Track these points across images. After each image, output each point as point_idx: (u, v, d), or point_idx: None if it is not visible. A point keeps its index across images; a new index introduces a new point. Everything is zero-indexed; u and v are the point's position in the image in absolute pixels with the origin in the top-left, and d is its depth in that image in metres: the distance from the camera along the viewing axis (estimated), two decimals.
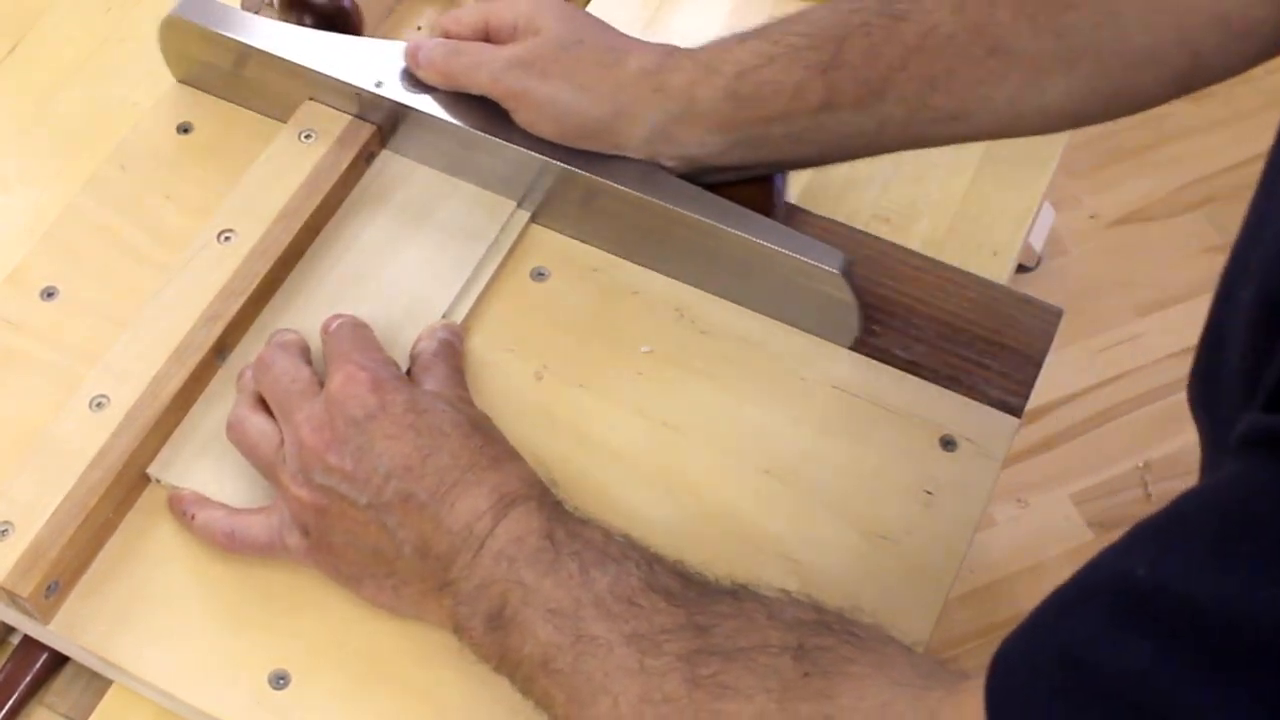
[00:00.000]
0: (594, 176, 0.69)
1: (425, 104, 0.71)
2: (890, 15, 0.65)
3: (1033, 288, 0.76)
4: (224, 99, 0.77)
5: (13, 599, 0.60)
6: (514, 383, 0.68)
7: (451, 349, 0.67)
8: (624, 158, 0.69)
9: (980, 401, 0.69)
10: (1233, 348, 0.44)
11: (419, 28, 0.89)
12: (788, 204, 0.74)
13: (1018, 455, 1.51)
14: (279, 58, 0.73)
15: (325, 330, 0.66)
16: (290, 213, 0.70)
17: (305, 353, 0.65)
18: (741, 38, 0.68)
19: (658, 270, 0.72)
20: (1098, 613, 0.38)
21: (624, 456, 0.67)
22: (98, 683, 0.62)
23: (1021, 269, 1.61)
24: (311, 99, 0.74)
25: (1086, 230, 1.70)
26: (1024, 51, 0.63)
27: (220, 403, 0.66)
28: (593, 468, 0.66)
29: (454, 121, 0.71)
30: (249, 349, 0.68)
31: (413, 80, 0.72)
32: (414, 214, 0.73)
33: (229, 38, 0.73)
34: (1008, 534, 1.48)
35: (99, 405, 0.64)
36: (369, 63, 0.73)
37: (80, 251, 0.72)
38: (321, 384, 0.62)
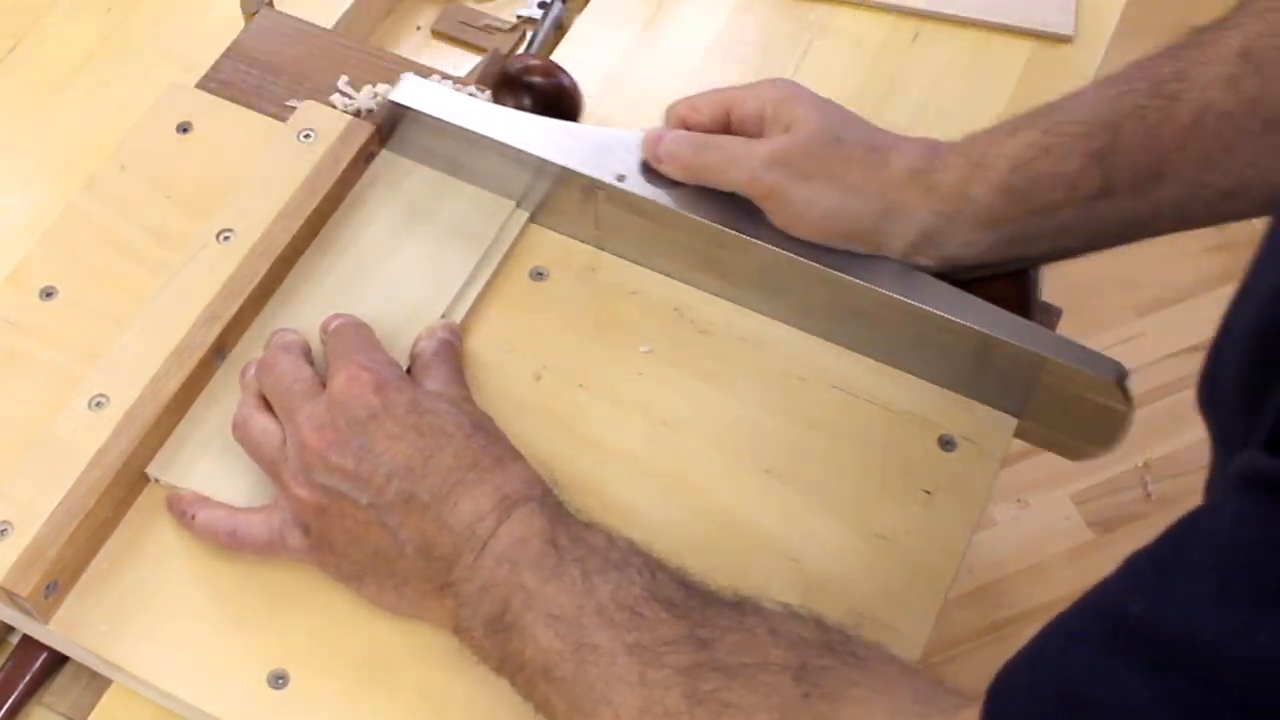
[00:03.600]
0: (854, 280, 0.66)
1: (670, 200, 0.68)
2: (1163, 95, 0.63)
3: None
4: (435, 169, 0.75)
5: (12, 598, 0.60)
6: (514, 383, 0.68)
7: (452, 348, 0.67)
8: (882, 258, 0.67)
9: (980, 401, 0.69)
10: (1231, 359, 0.44)
11: (418, 27, 0.90)
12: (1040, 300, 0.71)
13: (1018, 455, 1.50)
14: (511, 147, 0.70)
15: (325, 330, 0.66)
16: (290, 212, 0.70)
17: (307, 353, 0.65)
18: (1010, 129, 0.66)
19: (915, 375, 0.69)
20: (1095, 648, 0.38)
21: (624, 456, 0.67)
22: (97, 682, 0.62)
23: None
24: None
25: None
26: None
27: (220, 402, 0.66)
28: (592, 468, 0.66)
29: (704, 221, 0.68)
30: (249, 349, 0.68)
31: (653, 173, 0.69)
32: (414, 214, 0.73)
33: (455, 125, 0.71)
34: (1008, 534, 1.48)
35: (99, 405, 0.64)
36: (607, 153, 0.70)
37: (80, 251, 0.72)
38: (323, 384, 0.62)
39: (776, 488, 0.66)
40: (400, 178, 0.74)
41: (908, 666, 0.52)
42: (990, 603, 1.41)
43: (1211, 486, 0.51)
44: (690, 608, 0.54)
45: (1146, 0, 0.94)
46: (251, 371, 0.65)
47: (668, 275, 0.72)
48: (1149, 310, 1.62)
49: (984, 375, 0.67)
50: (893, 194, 0.65)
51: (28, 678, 0.62)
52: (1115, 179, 0.63)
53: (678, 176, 0.68)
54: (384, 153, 0.75)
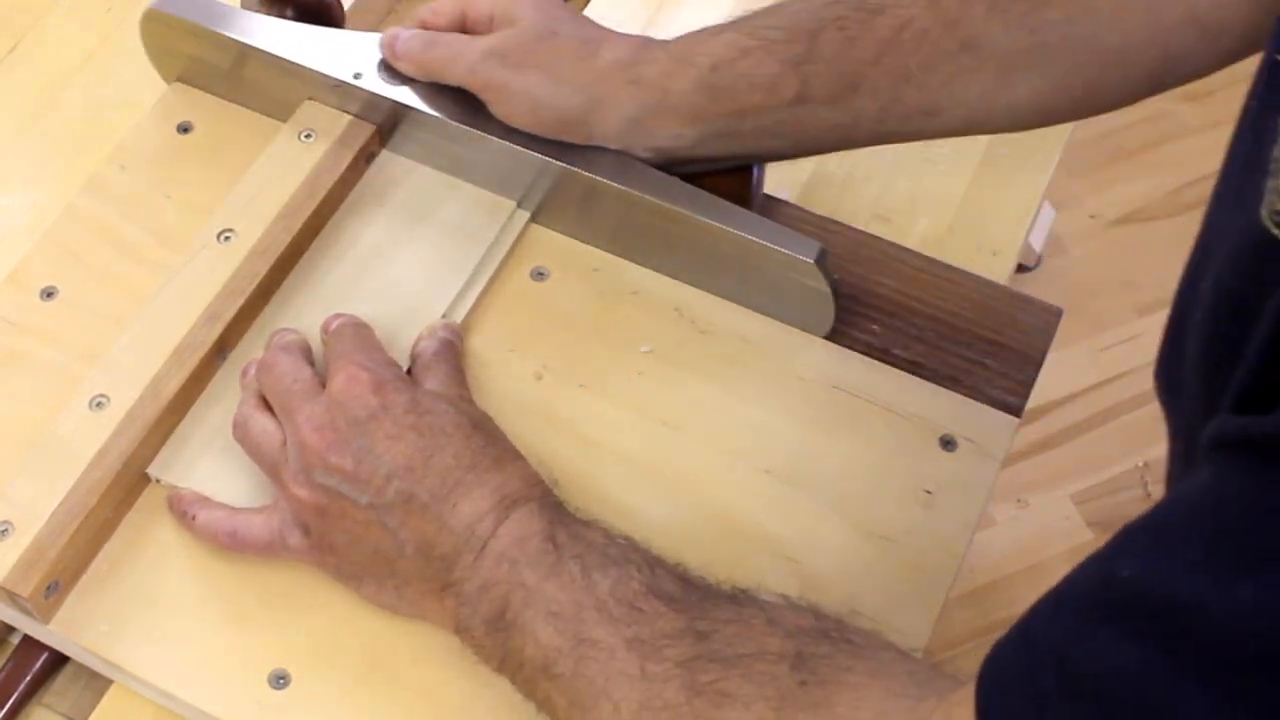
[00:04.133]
0: (567, 166, 0.69)
1: (403, 95, 0.71)
2: (866, 9, 0.65)
3: (1033, 288, 0.76)
4: (213, 94, 0.77)
5: (13, 599, 0.60)
6: (514, 383, 0.68)
7: (452, 348, 0.67)
8: (600, 149, 0.69)
9: (980, 401, 0.69)
10: (1193, 339, 0.45)
11: None
12: (765, 195, 0.74)
13: (1018, 455, 1.50)
14: (257, 49, 0.73)
15: (325, 330, 0.66)
16: (290, 212, 0.70)
17: (307, 353, 0.65)
18: (716, 30, 0.68)
19: (641, 264, 0.72)
20: (1084, 616, 0.38)
21: (624, 456, 0.67)
22: (97, 682, 0.62)
23: (1021, 269, 1.61)
24: (310, 98, 0.74)
25: (1086, 230, 1.70)
26: (996, 47, 0.64)
27: (220, 402, 0.66)
28: (592, 468, 0.66)
29: (431, 113, 0.71)
30: (249, 348, 0.68)
31: (392, 72, 0.72)
32: (414, 214, 0.73)
33: (208, 29, 0.73)
34: (1008, 534, 1.48)
35: (99, 405, 0.64)
36: (347, 54, 0.73)
37: (80, 251, 0.72)
38: (323, 384, 0.62)
39: (776, 487, 0.66)
40: (401, 178, 0.74)
41: (904, 653, 0.52)
42: (990, 603, 1.41)
43: (1171, 480, 0.51)
44: (689, 602, 0.54)
45: None
46: (252, 372, 0.65)
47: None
48: (1149, 310, 1.62)
49: (705, 263, 0.70)
50: (599, 84, 0.68)
51: (28, 678, 0.62)
52: (812, 86, 0.65)
53: (411, 73, 0.71)
54: (384, 153, 0.75)
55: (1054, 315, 0.72)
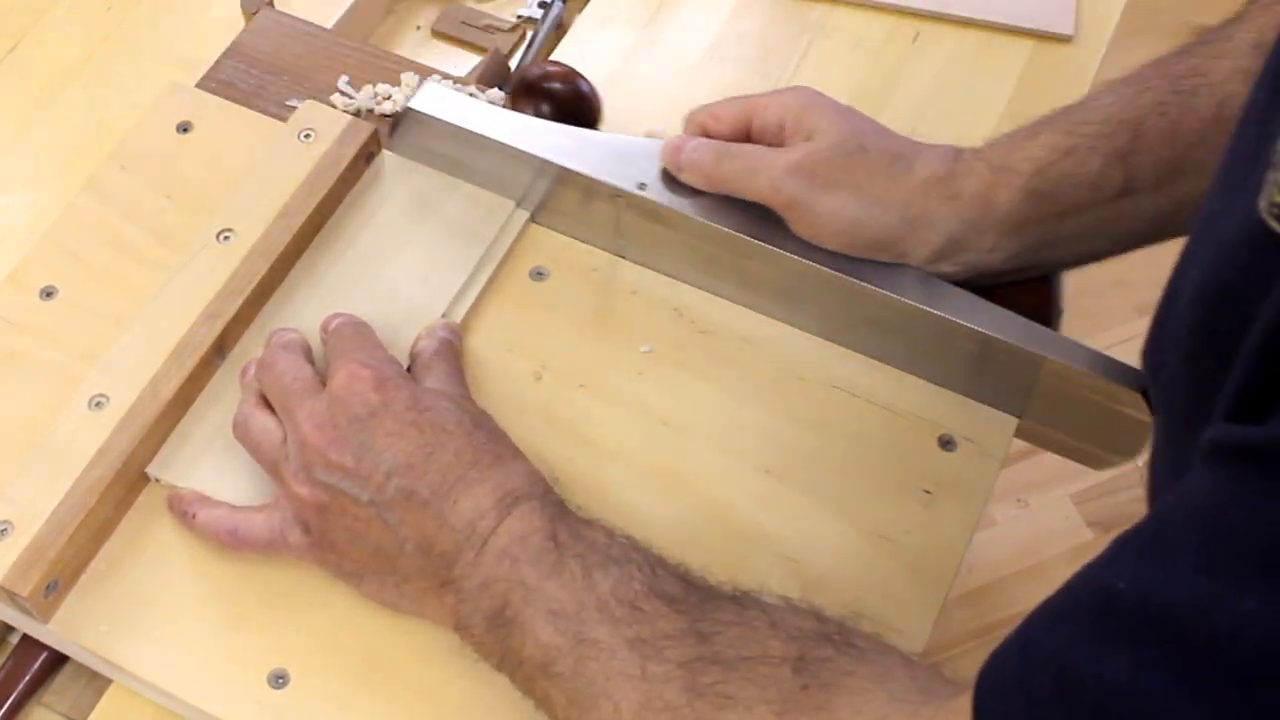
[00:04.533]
0: (876, 289, 0.66)
1: (691, 209, 0.68)
2: (1183, 92, 0.63)
3: None
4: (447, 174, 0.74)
5: (12, 598, 0.60)
6: (514, 383, 0.68)
7: (451, 347, 0.67)
8: (905, 266, 0.66)
9: (980, 401, 0.69)
10: (1179, 325, 0.45)
11: (418, 27, 0.89)
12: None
13: (1018, 455, 1.50)
14: (529, 154, 0.70)
15: (325, 329, 0.66)
16: (290, 212, 0.70)
17: (307, 351, 0.65)
18: (1031, 133, 0.66)
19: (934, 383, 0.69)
20: (1081, 626, 0.38)
21: (623, 456, 0.67)
22: (97, 682, 0.62)
23: None
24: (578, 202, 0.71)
25: None
26: None
27: (220, 402, 0.66)
28: (592, 467, 0.66)
29: (725, 230, 0.67)
30: (249, 348, 0.68)
31: (673, 181, 0.69)
32: (413, 214, 0.73)
33: (474, 133, 0.71)
34: (1008, 534, 1.48)
35: (99, 405, 0.64)
36: (628, 160, 0.69)
37: (80, 251, 0.72)
38: (323, 382, 0.62)
39: (776, 487, 0.66)
40: (400, 177, 0.74)
41: (905, 656, 0.52)
42: (990, 603, 1.41)
43: (1155, 459, 0.51)
44: (690, 602, 0.54)
45: (1147, 0, 0.94)
46: (252, 371, 0.65)
47: (694, 286, 0.71)
48: (1149, 310, 1.61)
49: (1016, 386, 0.67)
50: (916, 202, 0.65)
51: (28, 677, 0.62)
52: (1137, 177, 0.63)
53: (699, 185, 0.68)
54: (384, 152, 0.75)
55: (1054, 315, 0.72)
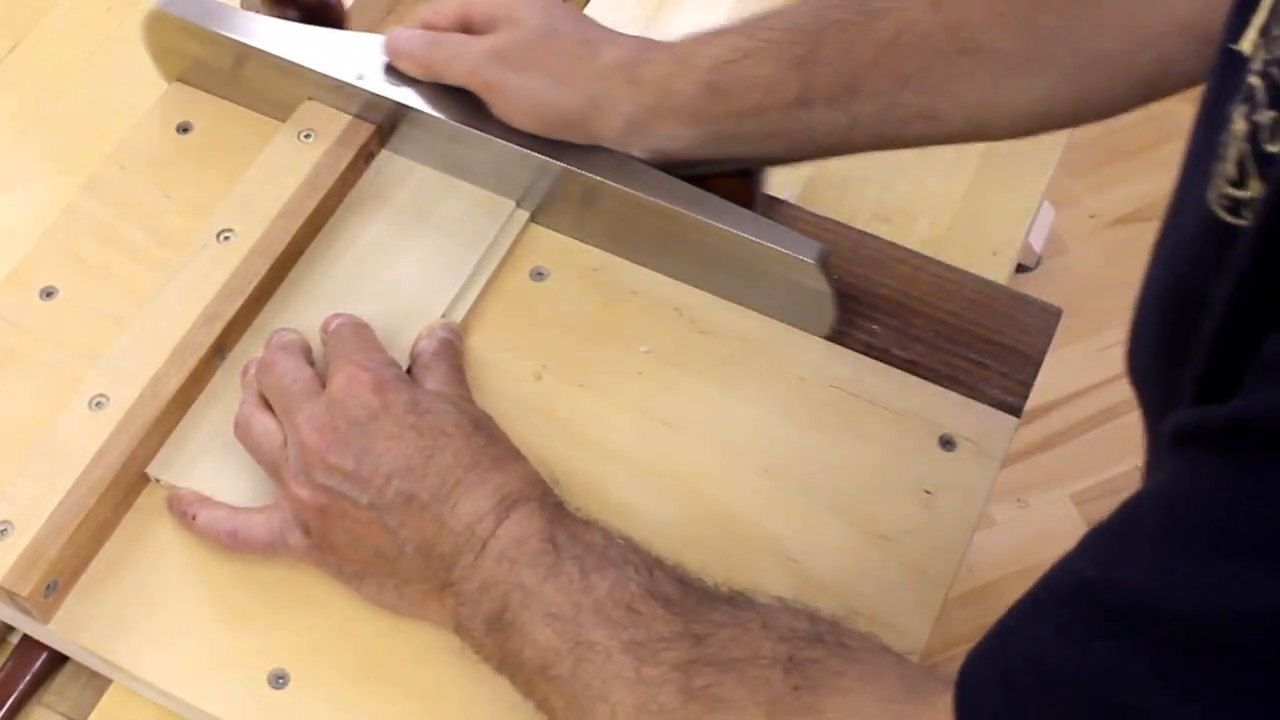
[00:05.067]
0: (567, 166, 0.69)
1: (406, 96, 0.71)
2: (866, 12, 0.65)
3: (1033, 288, 0.76)
4: (214, 94, 0.77)
5: (12, 598, 0.60)
6: (514, 383, 0.68)
7: (452, 348, 0.67)
8: (600, 150, 0.69)
9: (980, 401, 0.69)
10: (1150, 324, 0.45)
11: None
12: (767, 196, 0.74)
13: (1018, 455, 1.50)
14: (261, 50, 0.73)
15: (325, 329, 0.66)
16: (290, 212, 0.70)
17: (307, 353, 0.65)
18: (718, 32, 0.68)
19: (642, 264, 0.72)
20: (1054, 617, 0.39)
21: (623, 456, 0.67)
22: (97, 682, 0.62)
23: (1021, 269, 1.61)
24: (310, 98, 0.74)
25: (1086, 230, 1.69)
26: (996, 51, 0.64)
27: (220, 402, 0.66)
28: (592, 468, 0.66)
29: (434, 114, 0.71)
30: (249, 349, 0.68)
31: (394, 73, 0.72)
32: (413, 214, 0.73)
33: (211, 30, 0.73)
34: (1008, 534, 1.48)
35: (99, 405, 0.64)
36: (350, 55, 0.73)
37: (80, 251, 0.72)
38: (323, 384, 0.62)
39: (776, 488, 0.66)
40: (400, 177, 0.74)
41: (898, 656, 0.52)
42: (990, 603, 1.41)
43: (1146, 463, 0.51)
44: (686, 604, 0.54)
45: None
46: (252, 371, 0.65)
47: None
48: None
49: (705, 264, 0.70)
50: (599, 84, 0.68)
51: (28, 677, 0.62)
52: (813, 88, 0.65)
53: (413, 73, 0.71)
54: (384, 153, 0.75)
55: (1054, 315, 0.72)
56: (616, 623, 0.53)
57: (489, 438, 0.61)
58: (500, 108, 0.69)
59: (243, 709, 0.59)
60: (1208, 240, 0.40)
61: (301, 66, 0.72)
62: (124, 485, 0.63)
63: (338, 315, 0.67)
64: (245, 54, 0.74)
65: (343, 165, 0.72)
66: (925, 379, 0.69)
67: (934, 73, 0.64)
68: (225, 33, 0.73)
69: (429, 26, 0.72)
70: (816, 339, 0.70)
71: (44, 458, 0.62)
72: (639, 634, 0.53)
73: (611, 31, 0.71)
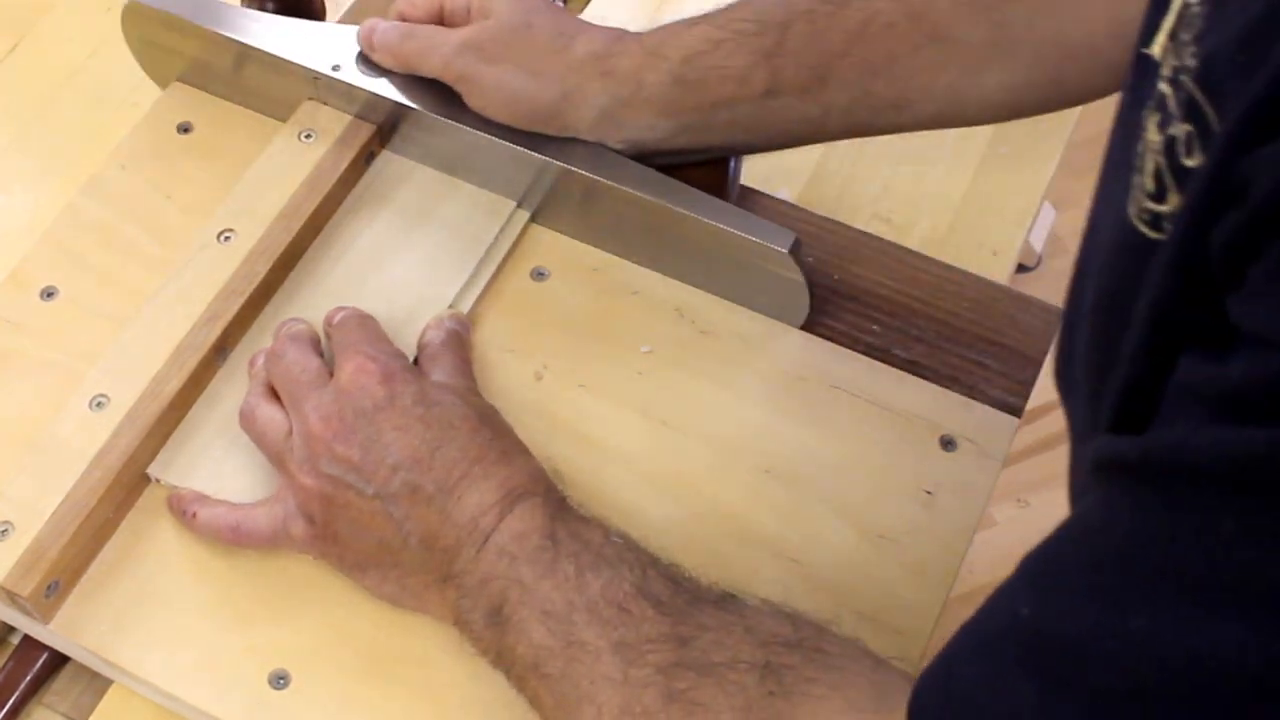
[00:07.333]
0: (540, 156, 0.69)
1: (380, 87, 0.71)
2: (834, 2, 0.66)
3: (1033, 288, 0.76)
4: (200, 91, 0.77)
5: (13, 599, 0.60)
6: (514, 383, 0.68)
7: (459, 339, 0.67)
8: (575, 141, 0.69)
9: (980, 401, 0.69)
10: (1080, 338, 0.44)
11: None
12: (742, 187, 0.74)
13: (1018, 455, 1.50)
14: (235, 41, 0.73)
15: (329, 323, 0.66)
16: (290, 213, 0.70)
17: (316, 344, 0.65)
18: (689, 23, 0.68)
19: (621, 256, 0.72)
20: (990, 654, 0.39)
21: (624, 456, 0.67)
22: (98, 683, 0.62)
23: (1021, 269, 1.61)
24: (311, 98, 0.74)
25: None
26: (963, 40, 0.64)
27: (221, 403, 0.66)
28: (592, 468, 0.66)
29: (407, 104, 0.71)
30: (249, 349, 0.68)
31: (370, 64, 0.72)
32: (414, 214, 0.73)
33: (185, 20, 0.73)
34: (1008, 534, 1.48)
35: (99, 405, 0.64)
36: (326, 46, 0.73)
37: (80, 251, 0.72)
38: (331, 374, 0.62)
39: (776, 488, 0.66)
40: (401, 178, 0.74)
41: (877, 662, 0.52)
42: None
43: (1071, 475, 0.51)
44: (676, 606, 0.54)
45: None
46: (260, 361, 0.65)
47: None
48: None
49: (680, 254, 0.70)
50: (572, 76, 0.68)
51: (29, 678, 0.62)
52: (782, 78, 0.66)
53: (388, 65, 0.71)
54: (384, 153, 0.75)
55: (1054, 315, 0.72)
56: (608, 622, 0.53)
57: (495, 431, 0.61)
58: (474, 100, 0.70)
59: (243, 710, 0.59)
60: (1128, 254, 0.39)
61: (276, 57, 0.72)
62: (125, 486, 0.63)
63: (341, 308, 0.67)
64: (221, 45, 0.73)
65: (343, 166, 0.72)
66: (926, 379, 0.69)
67: (903, 62, 0.65)
68: (199, 23, 0.73)
69: (404, 18, 0.72)
70: (817, 339, 0.70)
71: (44, 458, 0.62)
72: (628, 634, 0.53)
73: (584, 23, 0.71)
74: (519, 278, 0.72)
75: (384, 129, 0.74)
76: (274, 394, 0.63)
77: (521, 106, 0.69)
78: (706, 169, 0.71)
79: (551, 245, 0.73)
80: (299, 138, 0.73)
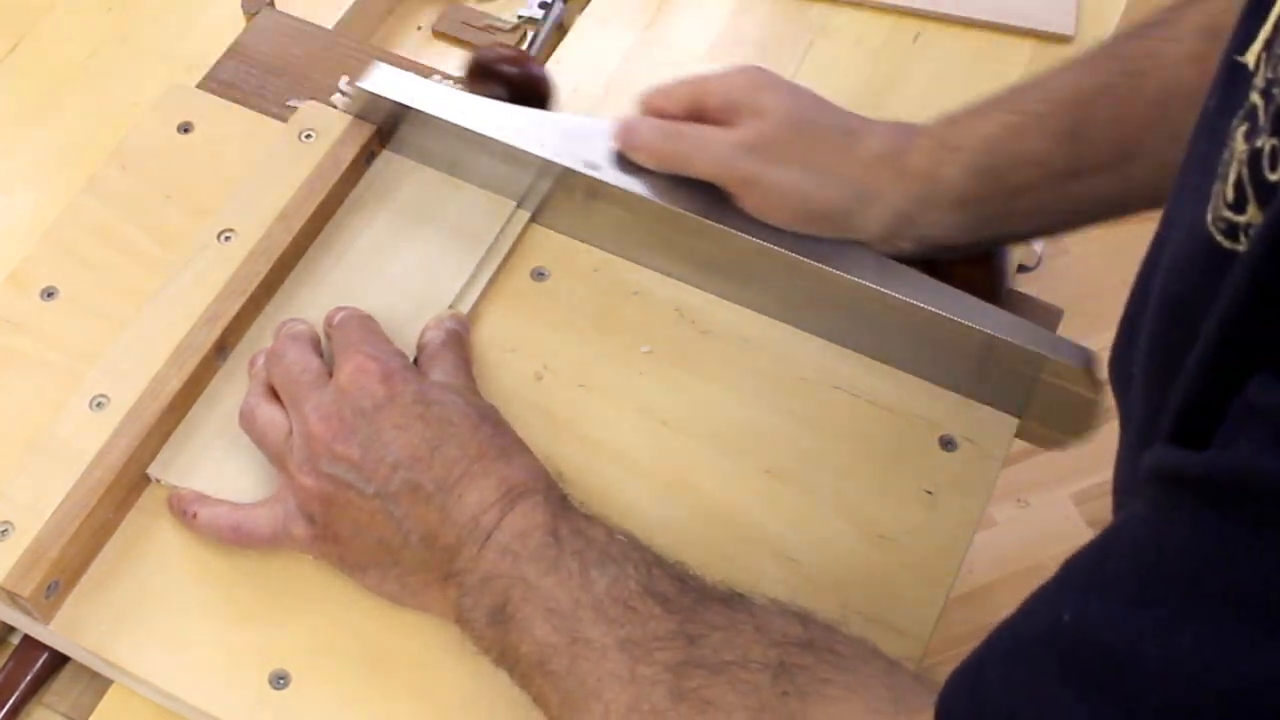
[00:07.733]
0: (826, 268, 0.66)
1: (641, 188, 0.68)
2: (1132, 74, 0.63)
3: (1033, 288, 0.76)
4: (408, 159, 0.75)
5: (13, 599, 0.60)
6: (514, 383, 0.68)
7: (459, 339, 0.67)
8: (852, 244, 0.67)
9: (980, 401, 0.69)
10: (1143, 336, 0.44)
11: (419, 28, 0.89)
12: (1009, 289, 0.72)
13: (1018, 455, 1.50)
14: (481, 135, 0.70)
15: (329, 323, 0.66)
16: (290, 213, 0.70)
17: (316, 344, 0.65)
18: (979, 110, 0.66)
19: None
20: (1027, 658, 0.38)
21: (624, 456, 0.67)
22: (98, 683, 0.62)
23: (1021, 269, 1.60)
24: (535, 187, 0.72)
25: (1086, 230, 1.69)
26: None
27: (221, 403, 0.66)
28: (592, 468, 0.66)
29: (671, 208, 0.68)
30: (249, 349, 0.68)
31: (627, 162, 0.69)
32: (414, 214, 0.73)
33: (425, 114, 0.71)
34: (1008, 534, 1.48)
35: (99, 405, 0.64)
36: (579, 141, 0.69)
37: (80, 251, 0.72)
38: (331, 374, 0.62)
39: (777, 488, 0.66)
40: (401, 178, 0.74)
41: (890, 663, 0.52)
42: (990, 603, 1.41)
43: (1118, 471, 0.51)
44: (683, 604, 0.54)
45: (1146, 0, 0.94)
46: (260, 361, 0.65)
47: (658, 271, 0.72)
48: None
49: (967, 366, 0.67)
50: (864, 177, 0.65)
51: (29, 678, 0.62)
52: (1085, 157, 0.64)
53: (650, 165, 0.68)
54: (385, 153, 0.75)
55: (1054, 315, 0.72)
56: (613, 620, 0.53)
57: (495, 429, 0.61)
58: (752, 203, 0.66)
59: (243, 710, 0.59)
60: (1202, 263, 0.39)
61: (527, 153, 0.69)
62: (125, 486, 0.63)
63: (341, 308, 0.67)
64: (461, 136, 0.70)
65: (343, 165, 0.72)
66: (926, 379, 0.69)
67: None
68: (442, 115, 0.70)
69: (659, 114, 0.69)
70: (818, 339, 0.70)
71: (44, 458, 0.62)
72: (635, 632, 0.53)
73: (865, 119, 0.68)
74: (519, 278, 0.72)
75: (384, 129, 0.74)
76: (274, 394, 0.63)
77: (809, 209, 0.66)
78: (975, 266, 0.69)
79: (552, 245, 0.73)
80: (299, 138, 0.73)
